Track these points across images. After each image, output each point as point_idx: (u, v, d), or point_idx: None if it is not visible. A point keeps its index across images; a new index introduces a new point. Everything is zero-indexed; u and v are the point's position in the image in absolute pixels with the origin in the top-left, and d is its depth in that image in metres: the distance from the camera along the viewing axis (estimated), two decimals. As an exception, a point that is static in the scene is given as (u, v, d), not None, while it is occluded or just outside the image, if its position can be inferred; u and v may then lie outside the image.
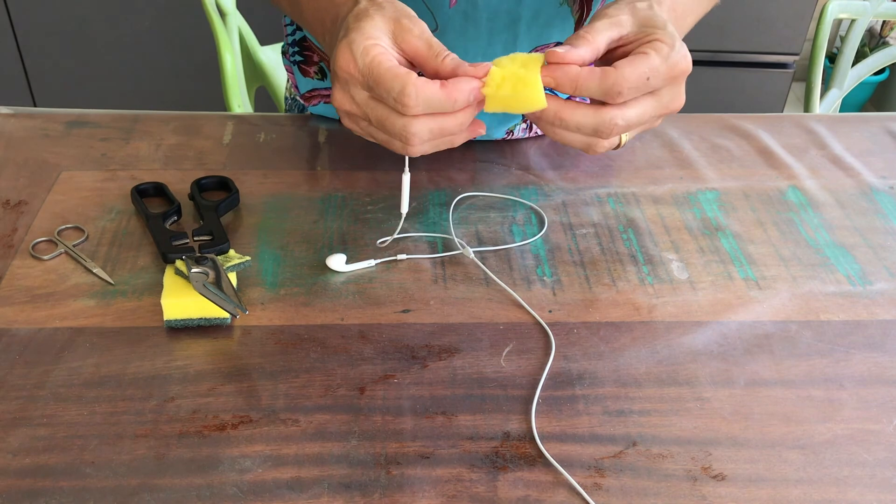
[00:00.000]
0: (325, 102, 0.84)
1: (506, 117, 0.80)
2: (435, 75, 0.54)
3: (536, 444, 0.51)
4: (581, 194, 0.74)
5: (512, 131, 0.82)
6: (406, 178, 0.62)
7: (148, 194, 0.71)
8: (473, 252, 0.66)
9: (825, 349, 0.59)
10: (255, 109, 1.42)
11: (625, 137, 0.59)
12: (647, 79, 0.53)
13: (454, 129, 0.55)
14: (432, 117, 0.54)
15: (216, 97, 1.47)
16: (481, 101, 0.54)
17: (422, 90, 0.52)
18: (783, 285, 0.65)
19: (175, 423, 0.52)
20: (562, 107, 0.54)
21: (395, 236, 0.67)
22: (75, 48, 2.03)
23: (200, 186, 0.70)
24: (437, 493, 0.48)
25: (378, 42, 0.54)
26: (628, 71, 0.52)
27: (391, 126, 0.54)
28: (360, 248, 0.67)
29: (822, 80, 1.32)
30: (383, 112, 0.54)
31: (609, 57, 0.56)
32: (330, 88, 0.83)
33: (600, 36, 0.55)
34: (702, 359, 0.58)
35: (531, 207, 0.72)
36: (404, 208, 0.64)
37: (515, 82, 0.53)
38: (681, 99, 0.56)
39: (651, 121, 0.57)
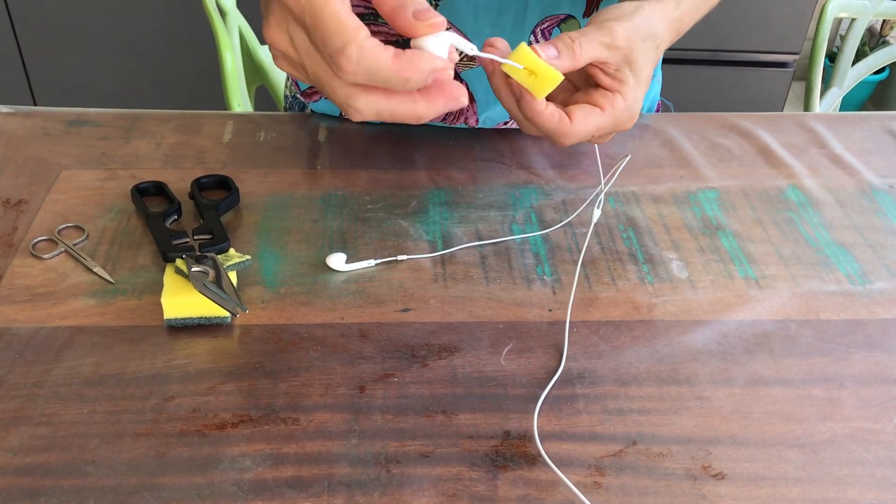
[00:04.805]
0: (326, 98, 0.84)
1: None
2: (391, 18, 0.44)
3: (536, 443, 0.51)
4: (581, 193, 0.74)
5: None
6: (597, 213, 0.67)
7: (148, 193, 0.71)
8: (471, 247, 0.66)
9: (825, 348, 0.59)
10: (255, 108, 1.42)
11: None
12: (592, 136, 0.57)
13: (405, 117, 0.45)
14: (383, 95, 0.44)
15: (216, 96, 1.46)
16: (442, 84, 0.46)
17: (366, 55, 0.41)
18: (783, 284, 0.65)
19: (175, 421, 0.52)
20: (531, 105, 0.54)
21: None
22: (75, 47, 2.03)
23: (200, 185, 0.70)
24: (436, 491, 0.48)
25: None
26: (577, 127, 0.55)
27: (331, 91, 0.44)
28: (360, 247, 0.67)
29: (822, 79, 1.32)
30: (322, 71, 0.44)
31: (583, 70, 0.57)
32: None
33: (588, 53, 0.54)
34: (702, 358, 0.58)
35: (530, 206, 0.72)
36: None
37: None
38: (633, 121, 0.58)
39: (604, 137, 0.59)
